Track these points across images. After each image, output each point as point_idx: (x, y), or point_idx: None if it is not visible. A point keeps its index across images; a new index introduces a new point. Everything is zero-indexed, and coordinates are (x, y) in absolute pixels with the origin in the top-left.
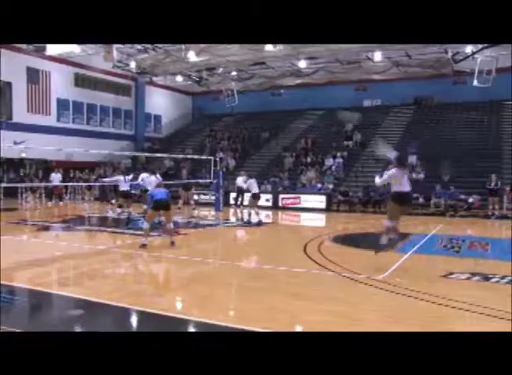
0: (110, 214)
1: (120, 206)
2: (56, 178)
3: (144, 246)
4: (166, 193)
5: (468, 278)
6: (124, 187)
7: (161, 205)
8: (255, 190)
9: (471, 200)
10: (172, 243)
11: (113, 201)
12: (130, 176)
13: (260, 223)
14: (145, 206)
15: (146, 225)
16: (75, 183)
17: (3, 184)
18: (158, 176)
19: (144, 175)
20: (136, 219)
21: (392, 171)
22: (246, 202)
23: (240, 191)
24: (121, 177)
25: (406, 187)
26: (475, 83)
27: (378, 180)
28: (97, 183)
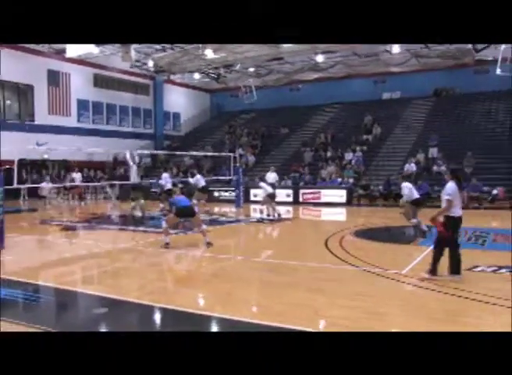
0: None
1: (133, 199)
2: (76, 178)
3: (167, 245)
4: (187, 200)
5: (494, 271)
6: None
7: (185, 213)
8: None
9: (495, 192)
10: (208, 243)
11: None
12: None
13: (279, 218)
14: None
15: (165, 225)
16: (93, 184)
17: (24, 185)
18: (197, 176)
19: (165, 175)
20: (158, 216)
21: (406, 184)
22: (278, 198)
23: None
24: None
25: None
26: (498, 71)
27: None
28: (116, 182)
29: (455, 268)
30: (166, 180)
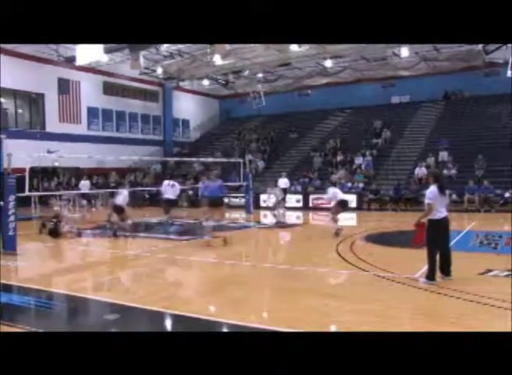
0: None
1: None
2: (85, 185)
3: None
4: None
5: (508, 275)
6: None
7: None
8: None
9: (507, 195)
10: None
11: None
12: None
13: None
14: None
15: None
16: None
17: (31, 193)
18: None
19: (165, 182)
20: (170, 223)
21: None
22: (288, 204)
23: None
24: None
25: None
26: (509, 74)
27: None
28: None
29: (444, 269)
30: (165, 188)
